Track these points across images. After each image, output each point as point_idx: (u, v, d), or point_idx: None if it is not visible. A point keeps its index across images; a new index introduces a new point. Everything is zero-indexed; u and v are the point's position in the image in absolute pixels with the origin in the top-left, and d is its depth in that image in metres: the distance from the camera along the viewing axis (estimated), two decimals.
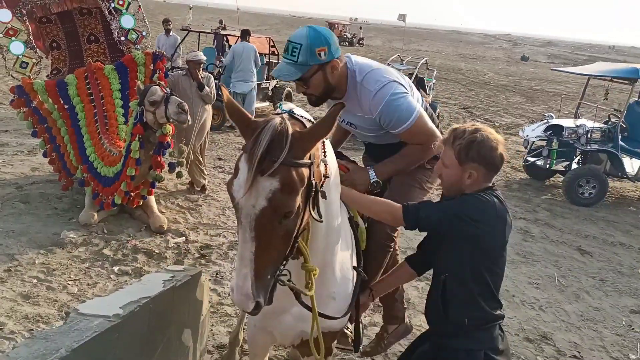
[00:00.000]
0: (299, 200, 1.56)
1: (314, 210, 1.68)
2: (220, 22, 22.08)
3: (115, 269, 4.44)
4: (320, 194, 1.71)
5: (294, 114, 1.76)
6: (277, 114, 1.71)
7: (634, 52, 70.74)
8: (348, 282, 2.19)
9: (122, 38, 5.80)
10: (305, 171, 1.57)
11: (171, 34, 11.57)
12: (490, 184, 2.07)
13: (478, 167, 1.99)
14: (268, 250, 1.56)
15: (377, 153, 2.61)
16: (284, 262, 1.66)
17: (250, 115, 1.65)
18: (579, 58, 47.42)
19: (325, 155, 1.78)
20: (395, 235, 2.59)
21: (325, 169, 1.78)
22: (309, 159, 1.60)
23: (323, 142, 1.76)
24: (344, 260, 2.15)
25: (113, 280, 4.26)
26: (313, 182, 1.63)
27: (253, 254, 1.53)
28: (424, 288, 4.66)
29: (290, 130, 1.54)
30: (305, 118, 1.78)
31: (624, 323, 4.44)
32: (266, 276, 1.59)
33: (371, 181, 2.44)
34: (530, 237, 6.14)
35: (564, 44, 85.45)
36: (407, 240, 5.21)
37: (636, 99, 8.49)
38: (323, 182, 1.76)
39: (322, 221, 1.74)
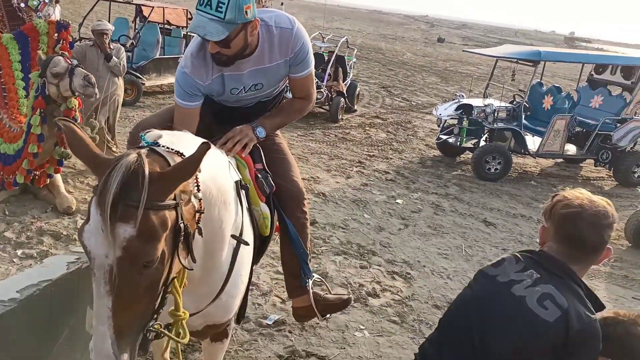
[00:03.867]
0: (161, 246, 1.37)
1: (186, 253, 1.52)
2: None
3: (19, 252, 4.19)
4: (195, 232, 1.56)
5: (158, 146, 1.52)
6: (138, 147, 1.50)
7: (539, 35, 75.25)
8: (237, 278, 2.09)
9: (22, 4, 5.41)
10: (168, 214, 1.39)
11: None
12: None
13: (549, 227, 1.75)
14: (129, 305, 1.37)
15: (245, 114, 2.51)
16: (155, 315, 1.49)
17: (97, 151, 1.44)
18: (490, 40, 49.62)
19: (198, 190, 1.56)
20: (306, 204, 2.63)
21: (200, 204, 1.57)
22: (174, 199, 1.42)
23: (196, 176, 1.53)
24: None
25: (16, 264, 4.03)
26: (181, 225, 1.44)
27: (110, 310, 1.33)
28: (341, 262, 4.79)
29: (147, 170, 1.33)
30: (173, 151, 1.53)
31: None
32: (130, 332, 1.40)
33: (260, 137, 2.35)
34: (441, 211, 6.46)
35: (477, 27, 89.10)
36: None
37: (538, 80, 9.08)
38: (199, 218, 1.58)
39: (192, 269, 1.59)
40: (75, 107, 4.73)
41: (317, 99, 10.25)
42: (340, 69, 11.17)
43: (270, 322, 3.75)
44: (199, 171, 1.48)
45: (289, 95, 2.69)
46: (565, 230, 1.67)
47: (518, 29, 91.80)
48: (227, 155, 2.21)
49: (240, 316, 2.48)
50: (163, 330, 1.54)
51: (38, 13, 5.48)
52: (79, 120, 4.96)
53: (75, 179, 5.78)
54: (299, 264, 2.59)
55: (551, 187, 7.87)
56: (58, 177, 5.14)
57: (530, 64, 8.35)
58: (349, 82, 11.44)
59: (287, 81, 2.54)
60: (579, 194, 1.70)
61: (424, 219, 6.10)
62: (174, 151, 1.53)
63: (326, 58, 11.24)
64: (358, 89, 12.06)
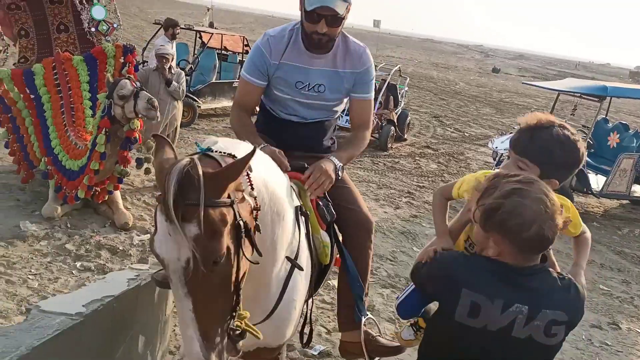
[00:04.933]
0: (225, 242, 1.42)
1: (251, 250, 1.55)
2: (211, 24, 21.08)
3: (78, 264, 4.32)
4: (255, 228, 1.58)
5: (211, 151, 1.57)
6: (193, 154, 1.56)
7: (602, 69, 73.07)
8: (290, 303, 2.06)
9: (93, 29, 5.68)
10: (225, 210, 1.43)
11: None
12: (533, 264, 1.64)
13: (501, 240, 1.59)
14: (208, 304, 1.43)
15: (302, 133, 2.57)
16: (234, 314, 1.53)
17: (165, 164, 1.49)
18: (548, 72, 48.63)
19: (252, 188, 1.61)
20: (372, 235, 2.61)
21: (256, 202, 1.61)
22: (228, 197, 1.46)
23: (248, 174, 1.60)
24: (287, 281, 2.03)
25: (75, 276, 4.14)
26: (241, 222, 1.48)
27: (192, 311, 1.40)
28: (388, 295, 4.68)
29: (200, 171, 1.38)
30: (225, 154, 1.58)
31: (583, 337, 4.52)
32: (214, 332, 1.45)
33: (338, 166, 2.36)
34: None
35: (535, 57, 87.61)
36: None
37: (603, 116, 8.76)
38: (256, 215, 1.61)
39: (257, 263, 1.62)
40: (137, 128, 4.89)
41: None
42: (391, 97, 11.16)
43: (315, 353, 3.67)
44: (250, 170, 1.58)
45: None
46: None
47: (579, 60, 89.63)
48: (309, 193, 2.25)
49: (306, 343, 2.52)
50: (246, 328, 1.58)
51: (107, 37, 5.73)
52: (139, 141, 5.13)
53: (133, 196, 5.95)
54: (354, 298, 2.53)
55: (615, 230, 7.46)
56: (117, 194, 5.31)
57: (595, 99, 8.07)
58: (400, 110, 11.39)
59: (346, 105, 2.60)
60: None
61: None
62: (226, 154, 1.58)
63: (377, 86, 11.28)
64: (409, 117, 11.99)
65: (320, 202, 2.34)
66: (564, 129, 1.79)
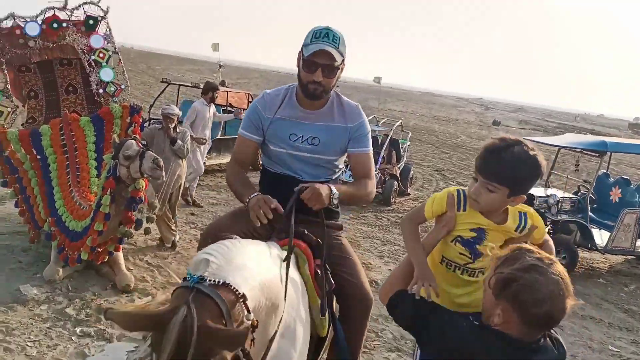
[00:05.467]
0: None
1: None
2: (222, 82, 21.48)
3: (78, 330, 4.22)
4: (253, 341, 1.57)
5: (204, 281, 1.51)
6: (185, 287, 1.51)
7: (600, 120, 73.95)
8: None
9: (101, 90, 5.80)
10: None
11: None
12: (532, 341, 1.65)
13: (511, 311, 1.59)
14: None
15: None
16: None
17: (141, 311, 1.51)
18: (549, 125, 49.18)
19: (248, 312, 1.56)
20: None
21: (254, 321, 1.59)
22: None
23: (244, 302, 1.55)
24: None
25: (74, 342, 4.03)
26: (240, 353, 1.50)
27: None
28: (394, 359, 4.55)
29: (195, 326, 1.35)
30: (219, 284, 1.52)
31: None
32: None
33: (333, 192, 2.32)
34: None
35: (534, 110, 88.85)
36: None
37: (605, 170, 8.78)
38: (253, 331, 1.58)
39: None
40: (142, 187, 4.91)
41: None
42: (394, 151, 11.26)
43: None
44: (245, 299, 1.55)
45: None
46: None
47: (577, 113, 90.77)
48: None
49: None
50: None
51: (114, 98, 5.84)
52: (144, 201, 5.13)
53: (135, 256, 5.90)
54: None
55: (622, 287, 7.34)
56: (119, 255, 5.25)
57: (596, 154, 8.12)
58: (403, 165, 11.46)
59: (345, 162, 2.65)
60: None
61: None
62: (220, 284, 1.52)
63: (380, 141, 11.39)
64: (412, 172, 12.04)
65: (319, 271, 2.26)
66: (523, 145, 1.87)
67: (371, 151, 2.61)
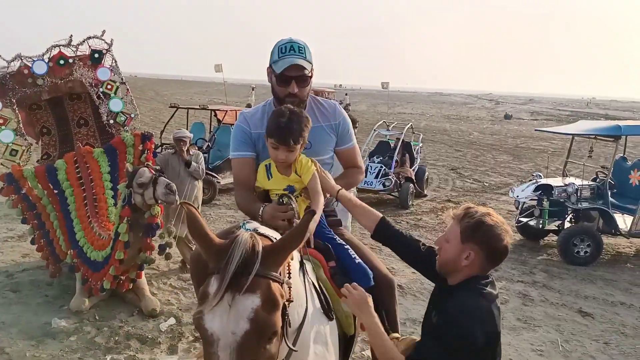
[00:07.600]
0: (280, 318, 1.41)
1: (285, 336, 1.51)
2: (249, 106, 21.60)
3: (108, 358, 4.28)
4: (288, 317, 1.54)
5: (259, 232, 1.63)
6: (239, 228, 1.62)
7: (614, 104, 72.89)
8: None
9: (111, 121, 5.88)
10: (281, 286, 1.46)
11: None
12: (484, 275, 2.02)
13: (479, 250, 1.95)
14: None
15: None
16: None
17: (214, 237, 1.50)
18: (561, 114, 48.63)
19: (289, 277, 1.60)
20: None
21: (289, 292, 1.57)
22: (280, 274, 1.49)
23: (289, 264, 1.61)
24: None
25: None
26: (286, 303, 1.49)
27: None
28: None
29: (261, 244, 1.43)
30: (271, 236, 1.66)
31: None
32: None
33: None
34: (529, 301, 6.03)
35: (545, 100, 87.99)
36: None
37: (622, 154, 8.64)
38: (288, 306, 1.56)
39: (297, 350, 1.58)
40: (158, 213, 4.96)
41: (386, 186, 10.30)
42: (407, 154, 11.23)
43: None
44: (291, 258, 1.61)
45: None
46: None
47: (589, 98, 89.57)
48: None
49: None
50: None
51: (125, 127, 5.92)
52: (161, 227, 5.18)
53: (159, 280, 5.95)
54: None
55: None
56: (143, 280, 5.31)
57: (611, 139, 8.00)
58: (417, 167, 11.42)
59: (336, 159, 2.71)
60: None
61: (512, 311, 5.71)
62: (271, 236, 1.66)
63: (392, 145, 11.36)
64: (427, 173, 11.98)
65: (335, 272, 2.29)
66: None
67: (355, 144, 2.72)
